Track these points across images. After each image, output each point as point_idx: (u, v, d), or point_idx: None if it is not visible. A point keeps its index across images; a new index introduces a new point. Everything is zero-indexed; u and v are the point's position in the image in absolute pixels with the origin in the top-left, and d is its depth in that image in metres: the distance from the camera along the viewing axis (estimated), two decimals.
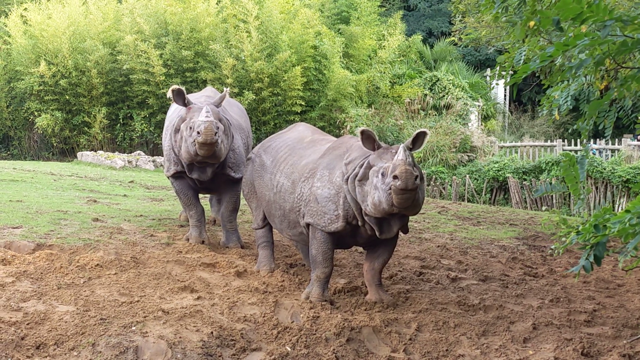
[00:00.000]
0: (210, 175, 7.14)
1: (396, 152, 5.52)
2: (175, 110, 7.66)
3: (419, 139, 5.66)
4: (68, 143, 20.31)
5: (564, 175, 3.59)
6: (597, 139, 23.44)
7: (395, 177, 5.28)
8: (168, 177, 7.52)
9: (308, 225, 6.12)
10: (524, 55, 4.25)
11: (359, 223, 5.88)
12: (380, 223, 5.81)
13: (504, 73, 5.88)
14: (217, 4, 19.96)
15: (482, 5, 4.63)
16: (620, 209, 16.78)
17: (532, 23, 3.75)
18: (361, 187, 5.65)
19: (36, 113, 19.72)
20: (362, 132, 5.62)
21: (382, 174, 5.44)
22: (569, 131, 25.50)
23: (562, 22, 2.96)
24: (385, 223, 5.82)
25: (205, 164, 7.01)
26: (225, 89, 7.33)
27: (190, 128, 6.71)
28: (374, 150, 5.67)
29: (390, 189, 5.33)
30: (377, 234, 5.85)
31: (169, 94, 6.86)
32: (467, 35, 14.32)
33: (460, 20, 14.72)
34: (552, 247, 4.65)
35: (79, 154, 17.06)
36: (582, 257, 2.99)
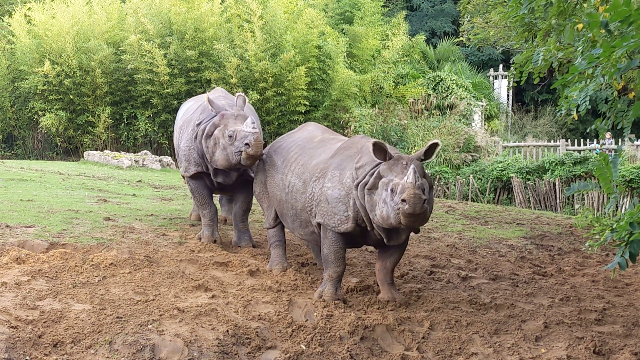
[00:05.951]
0: (234, 179, 7.22)
1: (406, 164, 5.53)
2: (189, 110, 7.70)
3: (431, 149, 5.69)
4: (72, 143, 20.33)
5: (598, 175, 3.62)
6: (595, 139, 23.52)
7: (403, 200, 5.31)
8: (184, 177, 7.56)
9: (319, 225, 6.16)
10: (542, 55, 4.28)
11: (368, 227, 5.92)
12: (389, 231, 5.85)
13: (521, 72, 5.92)
14: (221, 3, 19.98)
15: (509, 5, 4.65)
16: (624, 209, 16.79)
17: (580, 25, 3.78)
18: (370, 196, 5.67)
19: (40, 112, 19.73)
20: (374, 144, 5.63)
21: (392, 190, 5.45)
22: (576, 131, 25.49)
23: (610, 24, 2.99)
24: (394, 231, 5.87)
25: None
26: (238, 93, 7.38)
27: (231, 137, 6.74)
28: (385, 160, 5.69)
29: (398, 209, 5.36)
30: (385, 241, 5.89)
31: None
32: (475, 35, 14.36)
33: (469, 21, 14.75)
34: (587, 244, 4.70)
35: (85, 153, 17.07)
36: (617, 254, 3.02)
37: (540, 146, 23.07)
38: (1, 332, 4.78)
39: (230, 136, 6.75)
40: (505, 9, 6.85)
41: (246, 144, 6.61)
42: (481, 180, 19.16)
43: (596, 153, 20.87)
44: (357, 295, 6.36)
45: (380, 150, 5.65)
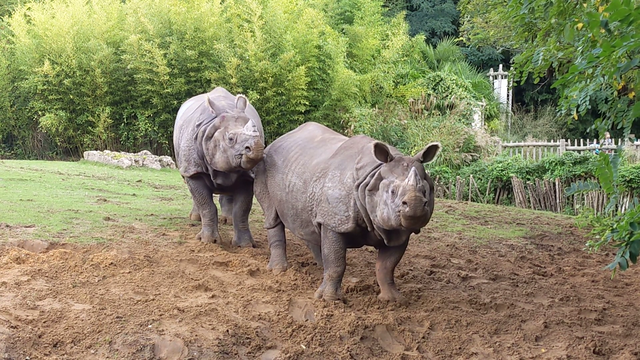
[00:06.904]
0: (234, 180, 7.21)
1: (407, 166, 5.53)
2: (189, 109, 7.69)
3: (430, 151, 5.68)
4: (72, 142, 20.33)
5: (598, 175, 3.62)
6: (595, 139, 23.53)
7: (404, 202, 5.31)
8: (184, 177, 7.55)
9: (320, 224, 6.15)
10: (542, 55, 4.28)
11: (368, 228, 5.91)
12: (389, 232, 5.85)
13: (521, 72, 5.91)
14: (221, 3, 19.99)
15: (509, 5, 4.65)
16: (623, 209, 16.79)
17: (580, 25, 3.78)
18: (371, 197, 5.67)
19: (40, 112, 19.74)
20: (376, 146, 5.62)
21: (392, 192, 5.45)
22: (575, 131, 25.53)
23: (610, 24, 2.99)
24: (394, 232, 5.87)
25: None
26: (238, 95, 7.35)
27: (231, 139, 6.70)
28: (386, 161, 5.68)
29: (399, 211, 5.37)
30: (385, 241, 5.89)
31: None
32: (475, 35, 14.38)
33: (469, 21, 14.77)
34: (587, 244, 4.70)
35: (85, 153, 17.07)
36: (617, 254, 3.02)
37: (540, 146, 23.08)
38: (1, 332, 4.77)
39: (230, 139, 6.71)
40: (505, 9, 6.85)
41: (247, 147, 6.59)
42: (481, 180, 19.16)
43: (596, 153, 20.87)
44: (357, 295, 6.36)
45: (381, 152, 5.64)
